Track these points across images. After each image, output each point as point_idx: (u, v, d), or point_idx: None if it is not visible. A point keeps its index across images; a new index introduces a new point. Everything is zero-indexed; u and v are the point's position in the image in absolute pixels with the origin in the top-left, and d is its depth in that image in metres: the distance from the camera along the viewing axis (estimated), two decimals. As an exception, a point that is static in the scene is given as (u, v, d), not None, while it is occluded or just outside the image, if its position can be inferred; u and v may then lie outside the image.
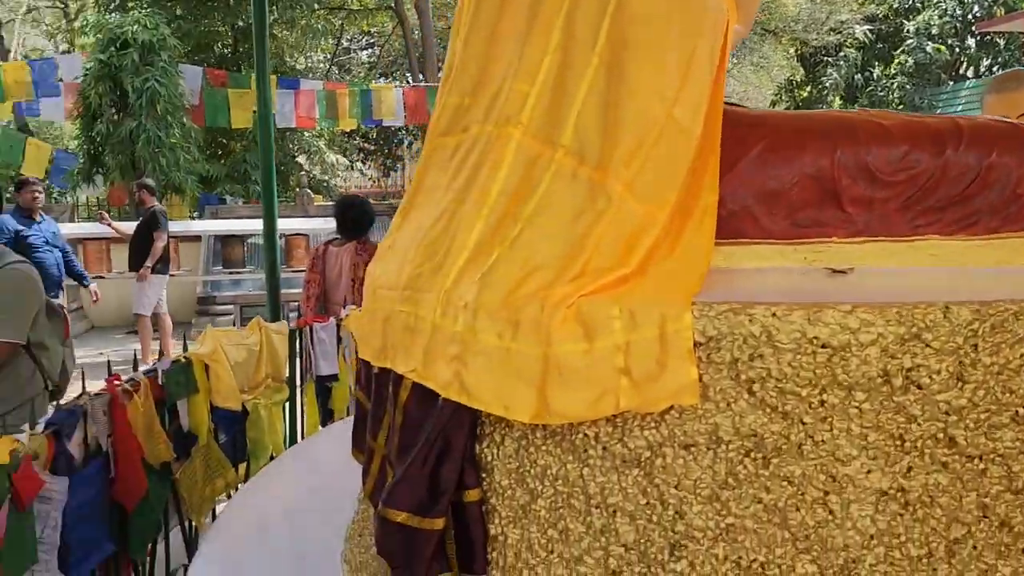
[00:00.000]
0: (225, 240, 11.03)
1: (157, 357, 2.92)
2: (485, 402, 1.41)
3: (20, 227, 6.60)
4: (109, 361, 2.67)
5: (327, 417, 3.77)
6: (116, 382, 2.40)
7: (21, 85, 12.79)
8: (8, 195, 7.60)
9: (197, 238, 11.12)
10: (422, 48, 19.98)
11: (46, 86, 13.18)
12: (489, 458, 1.48)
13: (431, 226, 1.66)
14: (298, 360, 3.62)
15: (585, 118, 1.51)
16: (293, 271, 9.59)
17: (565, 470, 1.38)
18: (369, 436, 1.82)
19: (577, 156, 1.50)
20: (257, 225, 11.06)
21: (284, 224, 7.81)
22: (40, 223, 6.91)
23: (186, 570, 2.99)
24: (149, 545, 2.62)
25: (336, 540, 2.02)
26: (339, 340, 3.78)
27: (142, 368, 2.68)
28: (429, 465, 1.48)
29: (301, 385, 3.63)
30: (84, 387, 2.31)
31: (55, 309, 3.01)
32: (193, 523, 2.93)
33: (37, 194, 7.01)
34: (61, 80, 13.21)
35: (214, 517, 3.08)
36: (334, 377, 3.76)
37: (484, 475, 1.49)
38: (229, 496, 3.16)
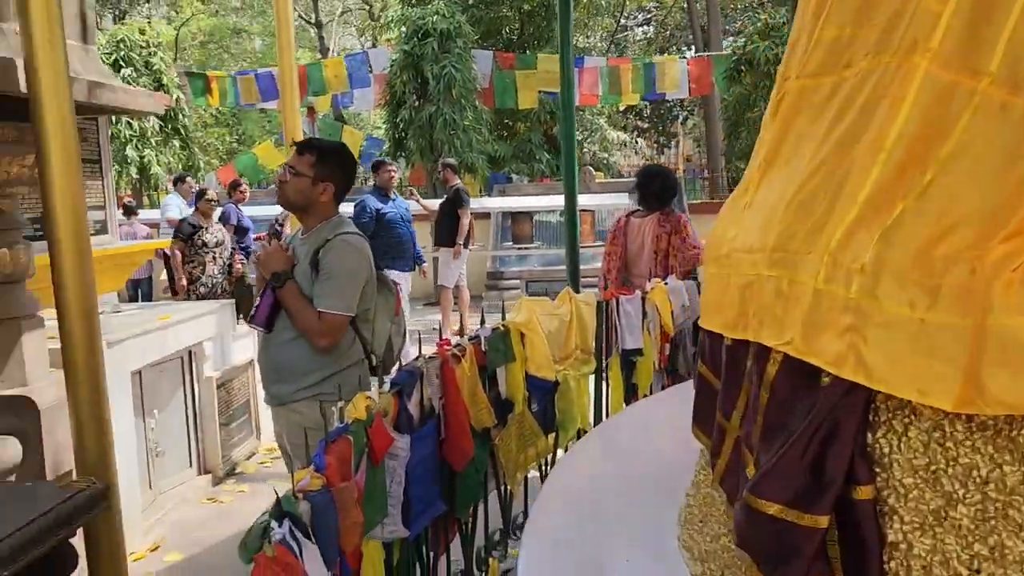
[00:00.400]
0: (514, 217, 11.45)
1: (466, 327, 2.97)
2: (891, 383, 1.17)
3: (380, 205, 6.89)
4: (440, 326, 2.75)
5: (630, 392, 3.67)
6: (446, 347, 2.46)
7: (339, 79, 14.29)
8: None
9: (487, 215, 11.65)
10: (706, 18, 19.30)
11: (358, 79, 14.59)
12: (886, 450, 1.25)
13: (805, 180, 1.44)
14: (603, 333, 3.55)
15: (1021, 35, 1.21)
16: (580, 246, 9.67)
17: (1000, 473, 1.11)
18: (720, 415, 1.65)
19: (1008, 85, 1.20)
20: (544, 202, 11.44)
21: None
22: (394, 200, 7.12)
23: (502, 533, 3.06)
24: (471, 507, 2.68)
25: (647, 522, 1.90)
26: (644, 314, 3.66)
27: (467, 335, 2.74)
28: (811, 453, 1.27)
29: (606, 358, 3.55)
30: (420, 351, 2.38)
31: (388, 284, 2.95)
32: (508, 488, 2.97)
33: (393, 173, 7.23)
34: (371, 71, 14.53)
35: (526, 484, 3.11)
36: (638, 351, 3.65)
37: (879, 470, 1.26)
38: (540, 465, 3.18)
